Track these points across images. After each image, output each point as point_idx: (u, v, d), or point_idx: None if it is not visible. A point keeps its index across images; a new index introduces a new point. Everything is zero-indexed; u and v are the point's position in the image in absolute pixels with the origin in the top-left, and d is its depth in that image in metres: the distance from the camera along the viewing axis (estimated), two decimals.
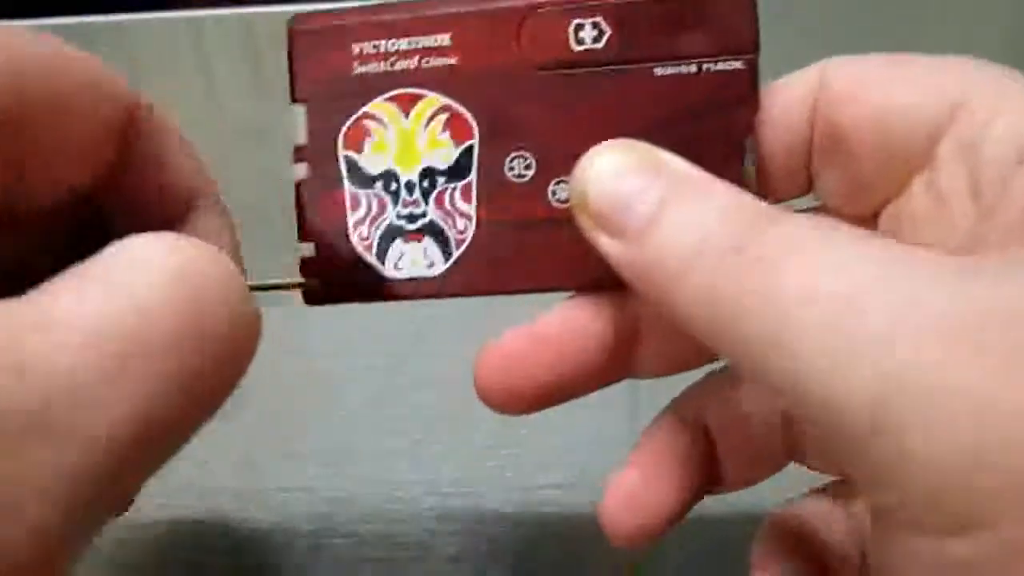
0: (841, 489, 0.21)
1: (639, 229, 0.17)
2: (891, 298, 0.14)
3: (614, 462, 0.31)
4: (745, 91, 0.19)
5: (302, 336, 0.36)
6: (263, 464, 0.31)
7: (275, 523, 0.29)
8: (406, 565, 0.28)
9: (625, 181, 0.17)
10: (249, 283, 0.19)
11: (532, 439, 0.31)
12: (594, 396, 0.32)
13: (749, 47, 0.19)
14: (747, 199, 0.16)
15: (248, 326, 0.16)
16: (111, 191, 0.20)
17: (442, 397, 0.33)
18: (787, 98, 0.19)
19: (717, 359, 0.21)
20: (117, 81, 0.19)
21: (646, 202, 0.17)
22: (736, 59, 0.19)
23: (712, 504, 0.22)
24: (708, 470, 0.20)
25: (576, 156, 0.18)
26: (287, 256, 0.43)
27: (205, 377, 0.15)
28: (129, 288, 0.14)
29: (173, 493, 0.30)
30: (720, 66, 0.19)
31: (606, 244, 0.17)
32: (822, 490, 0.22)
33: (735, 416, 0.21)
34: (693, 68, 0.19)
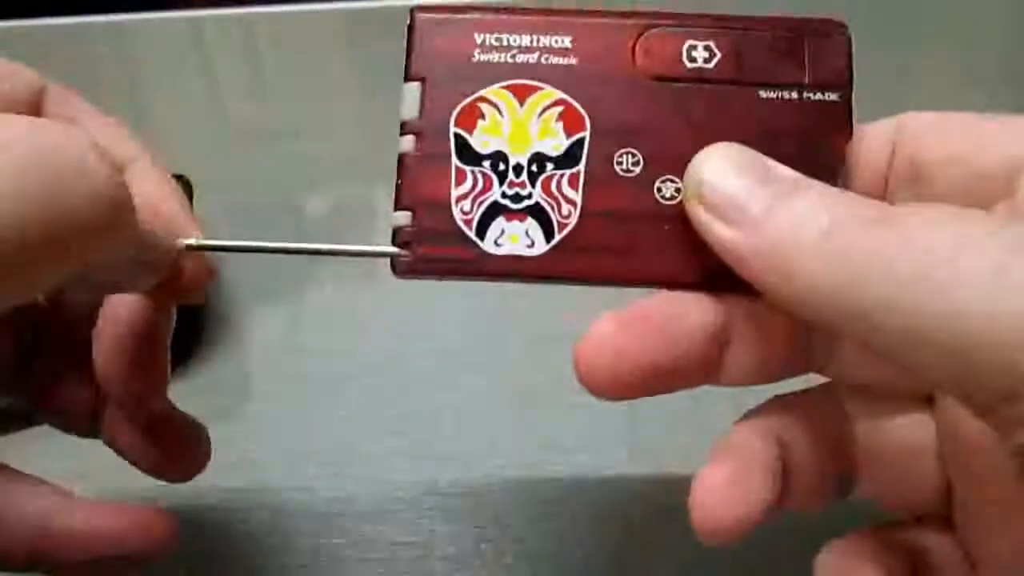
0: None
1: (759, 214, 0.18)
2: None
3: (613, 462, 0.31)
4: (840, 121, 0.21)
5: (302, 336, 0.36)
6: (263, 464, 0.31)
7: (275, 523, 0.29)
8: (406, 565, 0.28)
9: (743, 174, 0.19)
10: (333, 247, 0.21)
11: (532, 440, 0.31)
12: (593, 398, 0.32)
13: (845, 82, 0.21)
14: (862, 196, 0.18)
15: (110, 195, 0.17)
16: None
17: (442, 397, 0.33)
18: (870, 138, 0.21)
19: (795, 373, 0.22)
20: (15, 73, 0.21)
21: (766, 191, 0.18)
22: (832, 92, 0.21)
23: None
24: (781, 483, 0.20)
25: (684, 158, 0.20)
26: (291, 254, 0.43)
27: (60, 240, 0.16)
28: None
29: (173, 493, 0.30)
30: (818, 96, 0.21)
31: (720, 231, 0.19)
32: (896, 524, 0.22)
33: (804, 436, 0.21)
34: (794, 95, 0.21)
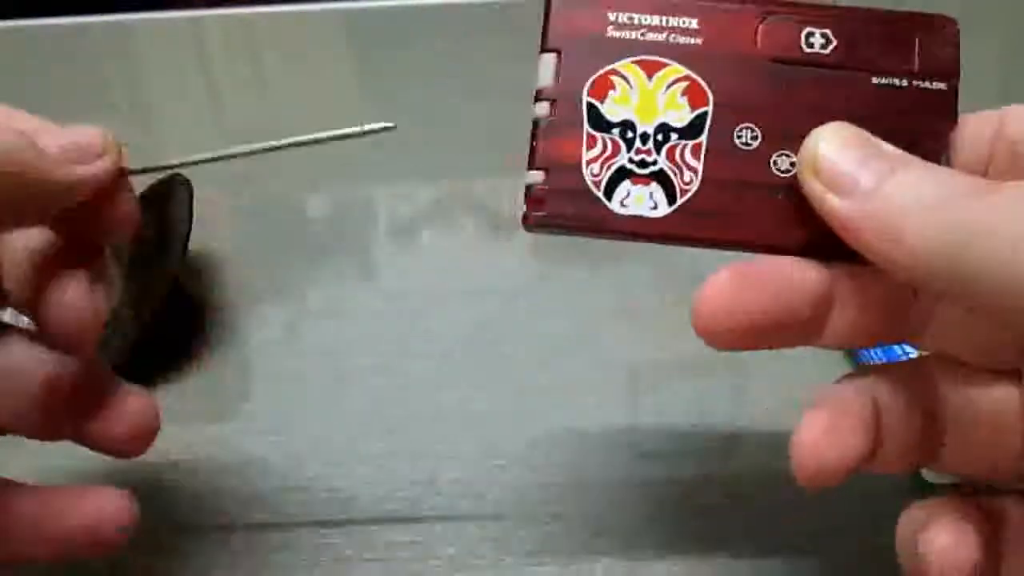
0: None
1: (870, 186, 0.20)
2: None
3: (613, 463, 0.31)
4: (946, 109, 0.22)
5: (303, 336, 0.36)
6: (263, 464, 0.31)
7: (275, 523, 0.29)
8: (406, 565, 0.28)
9: (856, 148, 0.20)
10: (333, 133, 0.23)
11: (531, 440, 0.31)
12: (593, 398, 0.32)
13: (953, 73, 0.22)
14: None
15: None
16: None
17: (442, 397, 0.33)
18: (974, 126, 0.22)
19: (891, 340, 0.24)
20: None
21: (877, 165, 0.20)
22: (941, 81, 0.22)
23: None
24: (875, 441, 0.22)
25: (799, 135, 0.21)
26: (289, 254, 0.43)
27: None
28: None
29: (173, 493, 0.30)
30: (926, 84, 0.22)
31: (833, 201, 0.20)
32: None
33: (897, 400, 0.22)
34: (905, 82, 0.22)
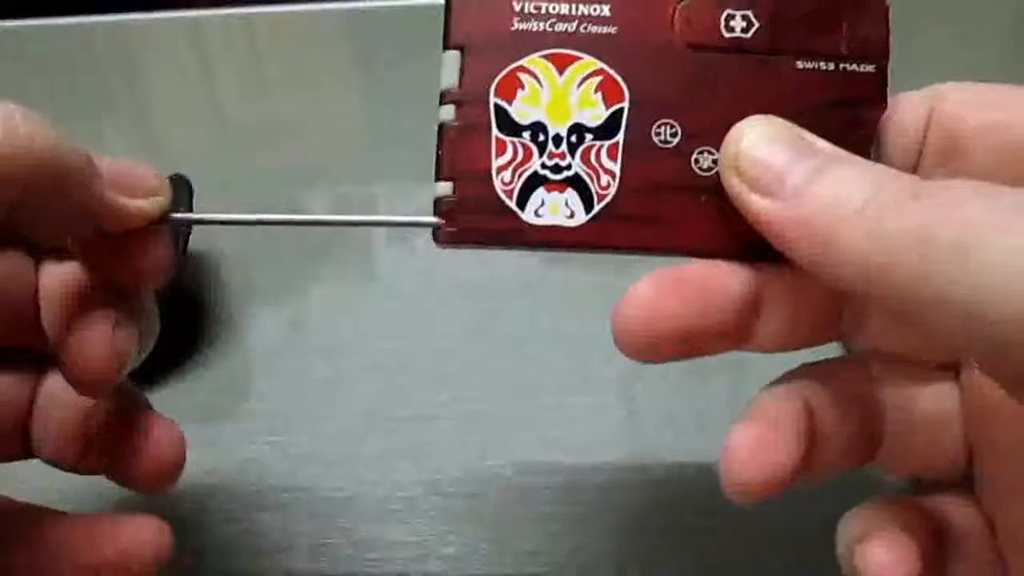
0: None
1: (797, 186, 0.18)
2: None
3: (613, 462, 0.31)
4: (875, 92, 0.21)
5: (302, 336, 0.36)
6: (263, 464, 0.31)
7: (275, 523, 0.29)
8: (406, 565, 0.28)
9: (781, 145, 0.19)
10: (372, 218, 0.20)
11: (532, 440, 0.31)
12: (592, 398, 0.32)
13: (883, 53, 0.21)
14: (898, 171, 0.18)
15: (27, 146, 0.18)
16: None
17: (442, 396, 0.33)
18: (904, 109, 0.21)
19: (824, 341, 0.22)
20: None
21: (804, 164, 0.19)
22: (869, 63, 0.21)
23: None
24: (809, 449, 0.21)
25: (721, 129, 0.20)
26: (289, 254, 0.43)
27: None
28: None
29: (173, 493, 0.30)
30: (854, 67, 0.21)
31: (756, 203, 0.19)
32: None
33: (832, 402, 0.22)
34: (831, 66, 0.21)
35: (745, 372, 0.32)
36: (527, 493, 0.30)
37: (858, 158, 0.19)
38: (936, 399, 0.22)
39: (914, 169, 0.21)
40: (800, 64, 0.21)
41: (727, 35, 0.21)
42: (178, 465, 0.24)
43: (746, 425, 0.20)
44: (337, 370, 0.34)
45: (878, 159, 0.21)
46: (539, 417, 0.32)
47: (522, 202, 0.21)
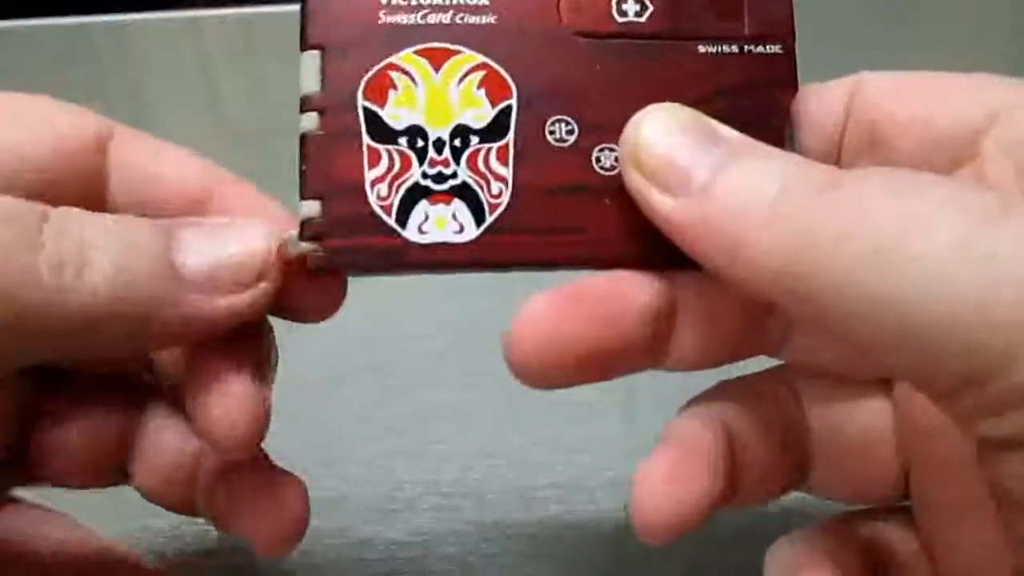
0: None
1: (702, 181, 0.16)
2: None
3: (613, 462, 0.31)
4: (784, 74, 0.19)
5: (301, 336, 0.36)
6: None
7: None
8: (406, 565, 0.28)
9: (684, 137, 0.17)
10: None
11: (531, 440, 0.31)
12: (592, 397, 0.32)
13: (787, 34, 0.19)
14: (813, 160, 0.17)
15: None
16: None
17: (441, 397, 0.33)
18: (823, 98, 0.20)
19: (746, 356, 0.21)
20: (64, 120, 0.20)
21: (710, 157, 0.17)
22: (775, 43, 0.19)
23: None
24: (730, 475, 0.19)
25: (621, 123, 0.18)
26: None
27: None
28: None
29: None
30: (760, 48, 0.19)
31: (659, 202, 0.17)
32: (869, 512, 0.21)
33: (754, 424, 0.20)
34: (735, 48, 0.19)
35: (746, 370, 0.32)
36: (527, 493, 0.30)
37: (768, 147, 0.17)
38: (867, 417, 0.20)
39: (836, 160, 0.20)
40: (702, 48, 0.19)
41: (620, 20, 0.19)
42: (302, 529, 0.21)
43: (657, 456, 0.19)
44: (335, 370, 0.34)
45: (794, 149, 0.19)
46: (539, 417, 0.32)
47: (403, 219, 0.18)
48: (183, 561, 0.28)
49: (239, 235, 0.18)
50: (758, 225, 0.16)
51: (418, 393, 0.33)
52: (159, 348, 0.21)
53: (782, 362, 0.22)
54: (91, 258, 0.16)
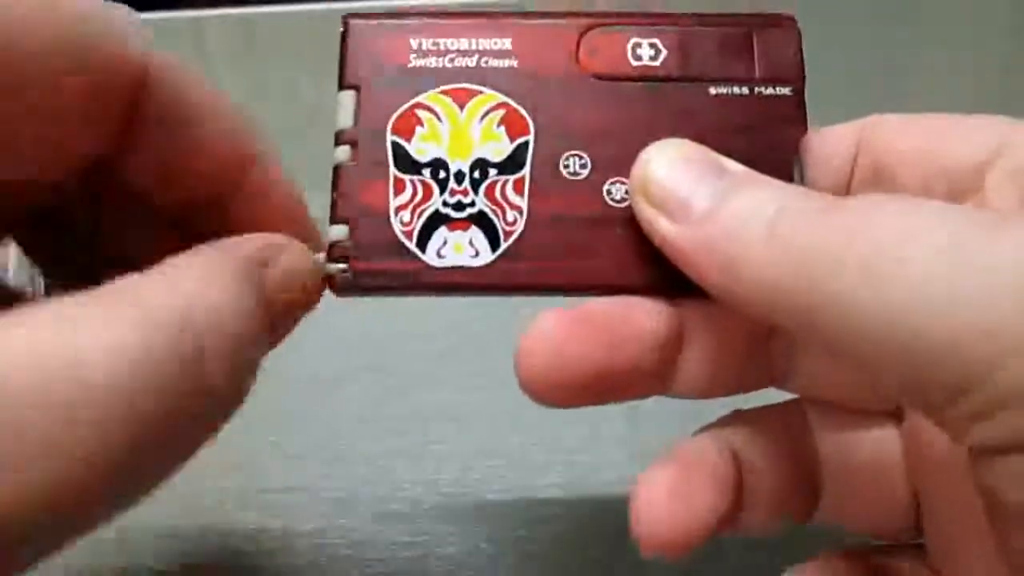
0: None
1: (706, 208, 0.17)
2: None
3: (613, 463, 0.31)
4: (793, 113, 0.20)
5: (302, 336, 0.36)
6: (263, 464, 0.31)
7: (275, 523, 0.29)
8: (406, 565, 0.28)
9: (690, 167, 0.18)
10: None
11: (532, 439, 0.31)
12: None
13: (797, 75, 0.20)
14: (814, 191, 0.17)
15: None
16: (125, 170, 0.19)
17: (442, 397, 0.33)
18: (832, 139, 0.20)
19: (752, 386, 0.21)
20: (119, 36, 0.17)
21: (713, 185, 0.17)
22: (784, 86, 0.20)
23: None
24: (735, 494, 0.19)
25: (632, 158, 0.19)
26: None
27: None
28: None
29: (173, 493, 0.30)
30: (770, 90, 0.20)
31: (665, 227, 0.18)
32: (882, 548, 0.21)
33: (763, 449, 0.20)
34: (746, 90, 0.20)
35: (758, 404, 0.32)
36: (527, 493, 0.30)
37: (769, 178, 0.18)
38: (878, 447, 0.21)
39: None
40: (713, 90, 0.20)
41: (635, 64, 0.21)
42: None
43: (661, 468, 0.19)
44: (336, 370, 0.34)
45: (803, 185, 0.20)
46: (539, 417, 0.32)
47: (423, 243, 0.20)
48: (183, 561, 0.28)
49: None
50: (756, 243, 0.16)
51: (418, 393, 0.33)
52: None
53: (793, 396, 0.22)
54: None
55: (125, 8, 0.18)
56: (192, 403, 0.14)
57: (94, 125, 0.18)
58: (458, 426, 0.32)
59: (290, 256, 0.18)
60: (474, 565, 0.28)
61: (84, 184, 0.19)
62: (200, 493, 0.30)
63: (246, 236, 0.18)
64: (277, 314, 0.18)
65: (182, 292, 0.15)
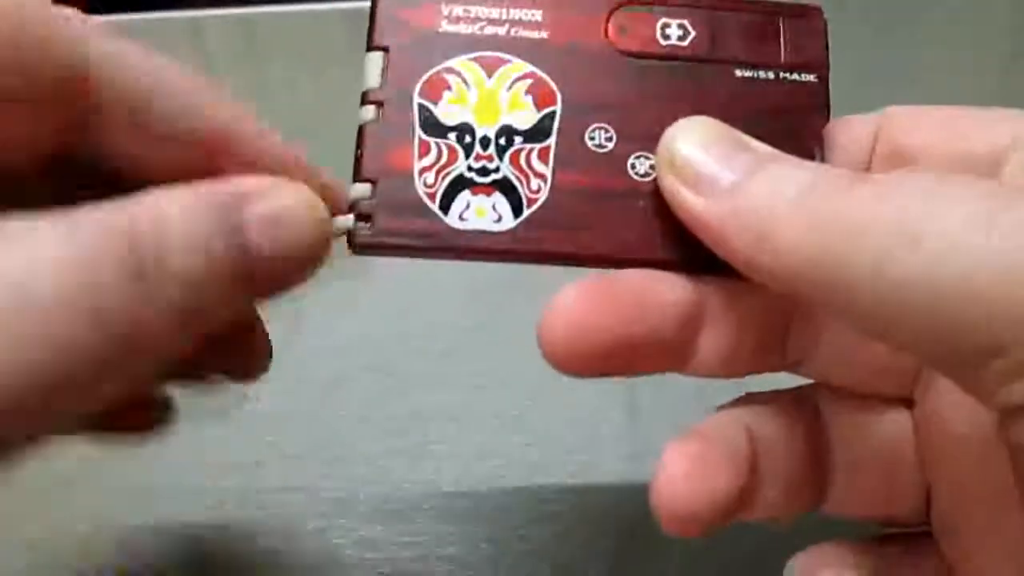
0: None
1: (732, 182, 0.17)
2: None
3: (613, 463, 0.31)
4: (818, 102, 0.21)
5: (302, 336, 0.36)
6: (263, 464, 0.31)
7: (275, 523, 0.29)
8: (406, 565, 0.28)
9: (717, 143, 0.18)
10: None
11: (532, 439, 0.31)
12: (593, 397, 0.32)
13: (822, 64, 0.21)
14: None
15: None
16: (99, 157, 0.19)
17: (442, 397, 0.33)
18: (852, 128, 0.21)
19: (767, 369, 0.21)
20: (42, 26, 0.17)
21: (740, 162, 0.18)
22: (809, 73, 0.21)
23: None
24: (752, 473, 0.19)
25: (658, 133, 0.19)
26: None
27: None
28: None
29: (173, 493, 0.30)
30: (795, 77, 0.21)
31: (691, 201, 0.18)
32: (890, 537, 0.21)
33: (776, 432, 0.20)
34: (771, 75, 0.21)
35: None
36: (527, 493, 0.30)
37: (794, 157, 0.18)
38: (889, 435, 0.21)
39: None
40: (739, 73, 0.21)
41: (663, 43, 0.21)
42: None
43: (679, 445, 0.19)
44: (336, 370, 0.34)
45: None
46: (539, 417, 0.32)
47: (445, 205, 0.20)
48: (183, 561, 0.28)
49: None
50: (786, 215, 0.16)
51: (418, 393, 0.33)
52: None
53: (804, 383, 0.22)
54: None
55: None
56: (136, 324, 0.15)
57: (34, 115, 0.18)
58: (458, 426, 0.32)
59: (278, 201, 0.18)
60: (474, 565, 0.28)
61: (54, 174, 0.19)
62: (200, 493, 0.30)
63: (231, 177, 0.18)
64: (260, 259, 0.17)
65: (132, 214, 0.15)
